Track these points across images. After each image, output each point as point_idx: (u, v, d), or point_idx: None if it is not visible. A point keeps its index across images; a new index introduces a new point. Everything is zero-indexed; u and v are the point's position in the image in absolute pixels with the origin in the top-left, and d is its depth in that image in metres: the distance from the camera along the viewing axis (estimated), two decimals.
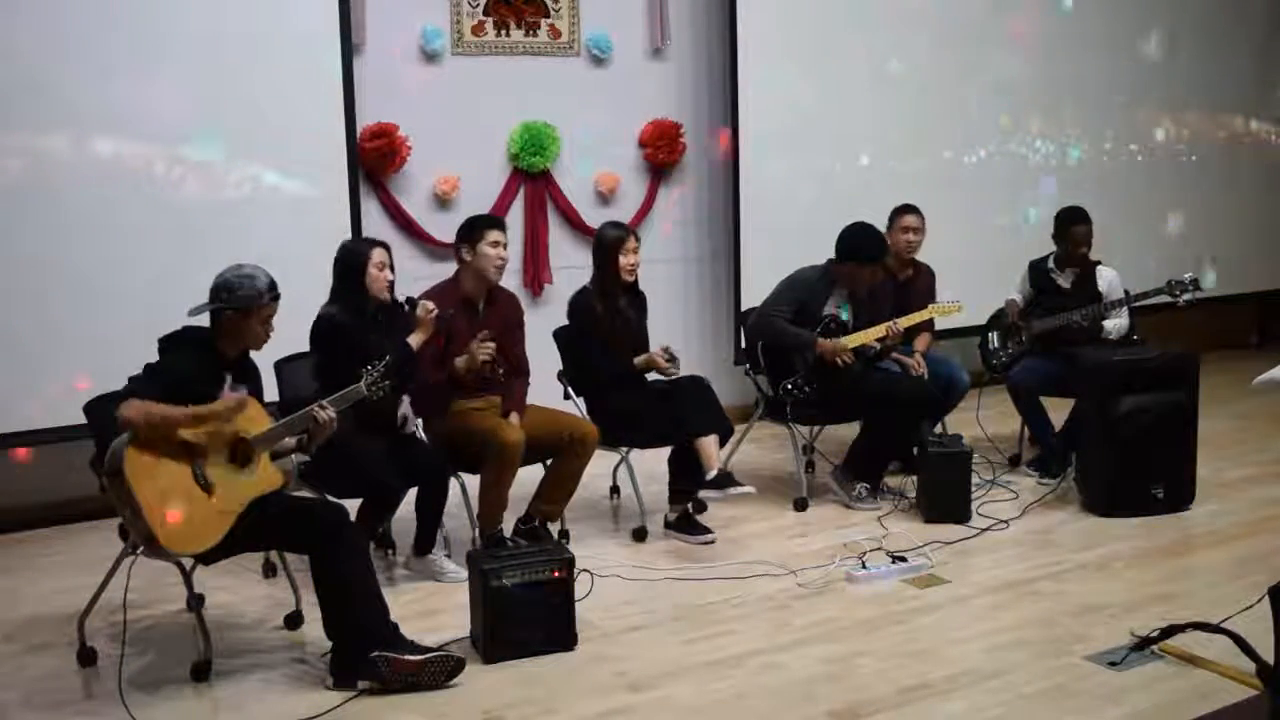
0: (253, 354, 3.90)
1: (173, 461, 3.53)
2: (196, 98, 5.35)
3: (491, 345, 4.58)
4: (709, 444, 4.82)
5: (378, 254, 4.45)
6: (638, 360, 4.99)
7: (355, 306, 4.41)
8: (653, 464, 5.19)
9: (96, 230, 5.18)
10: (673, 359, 4.95)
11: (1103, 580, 4.46)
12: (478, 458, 4.58)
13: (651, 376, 5.10)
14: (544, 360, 5.13)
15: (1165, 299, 5.67)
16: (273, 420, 3.81)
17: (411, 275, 5.21)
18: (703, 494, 4.85)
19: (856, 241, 5.27)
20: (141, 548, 3.60)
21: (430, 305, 4.47)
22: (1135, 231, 7.89)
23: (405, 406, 4.60)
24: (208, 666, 3.75)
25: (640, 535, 5.01)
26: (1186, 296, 5.63)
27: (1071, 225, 5.74)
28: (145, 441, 3.48)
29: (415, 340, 4.43)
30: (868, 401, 5.29)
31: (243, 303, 3.70)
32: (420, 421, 4.76)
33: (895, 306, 5.52)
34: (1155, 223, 8.12)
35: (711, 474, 4.76)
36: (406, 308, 4.46)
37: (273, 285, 3.76)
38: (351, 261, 4.44)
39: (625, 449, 5.10)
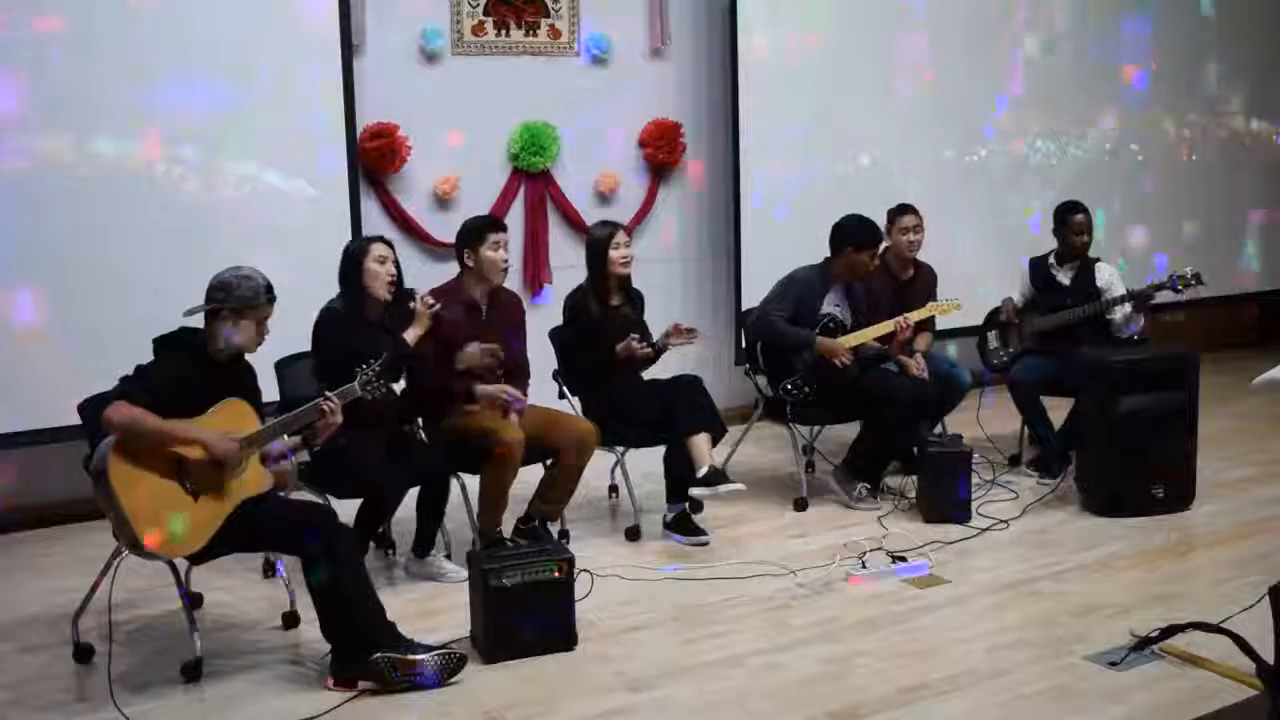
0: (252, 357, 3.89)
1: (157, 464, 3.53)
2: (196, 98, 5.34)
3: (501, 355, 4.63)
4: (700, 442, 4.83)
5: (376, 249, 4.42)
6: (619, 348, 4.93)
7: (354, 303, 4.40)
8: (653, 463, 5.18)
9: (95, 230, 5.17)
10: (656, 344, 4.97)
11: (1103, 580, 4.45)
12: (478, 457, 4.58)
13: (649, 373, 5.11)
14: (543, 360, 5.13)
15: (1169, 295, 5.66)
16: (262, 422, 3.80)
17: (411, 275, 5.20)
18: (694, 491, 4.86)
19: (852, 228, 5.29)
20: (128, 550, 3.60)
21: (430, 300, 4.48)
22: (1136, 231, 7.89)
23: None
24: (198, 666, 3.74)
25: (633, 534, 5.02)
26: (1190, 291, 5.60)
27: (1069, 214, 5.76)
28: (129, 445, 3.48)
29: (411, 335, 4.42)
30: (867, 401, 5.28)
31: (240, 301, 3.68)
32: (420, 421, 4.76)
33: (895, 306, 5.52)
34: (1156, 223, 8.11)
35: (702, 471, 4.78)
36: (412, 305, 4.46)
37: (270, 288, 3.74)
38: (349, 258, 4.44)
39: (621, 449, 5.10)
